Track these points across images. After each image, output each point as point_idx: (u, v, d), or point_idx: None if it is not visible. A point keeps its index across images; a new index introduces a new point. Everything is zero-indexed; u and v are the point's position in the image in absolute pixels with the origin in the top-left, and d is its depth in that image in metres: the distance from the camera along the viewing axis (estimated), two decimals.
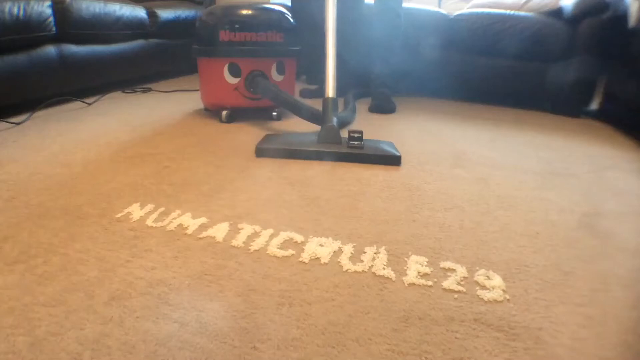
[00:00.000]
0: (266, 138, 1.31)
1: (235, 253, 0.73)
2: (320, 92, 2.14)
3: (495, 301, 0.63)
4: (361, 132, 1.25)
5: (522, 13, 2.11)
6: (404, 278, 0.68)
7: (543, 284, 0.68)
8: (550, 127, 1.81)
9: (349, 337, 0.55)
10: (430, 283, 0.67)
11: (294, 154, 1.22)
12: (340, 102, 1.98)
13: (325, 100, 1.34)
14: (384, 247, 0.77)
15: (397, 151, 1.25)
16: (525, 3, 2.22)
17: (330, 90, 1.34)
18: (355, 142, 1.24)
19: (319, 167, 1.17)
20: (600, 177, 1.20)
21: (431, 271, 0.70)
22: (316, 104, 1.48)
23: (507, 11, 2.13)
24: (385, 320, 0.59)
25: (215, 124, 1.56)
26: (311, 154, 1.22)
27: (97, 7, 1.87)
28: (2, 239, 0.75)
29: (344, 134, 1.29)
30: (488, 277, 0.69)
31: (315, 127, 1.51)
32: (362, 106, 1.95)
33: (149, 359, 0.51)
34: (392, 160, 1.21)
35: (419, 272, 0.70)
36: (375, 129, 1.59)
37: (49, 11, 1.61)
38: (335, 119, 1.31)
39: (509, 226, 0.87)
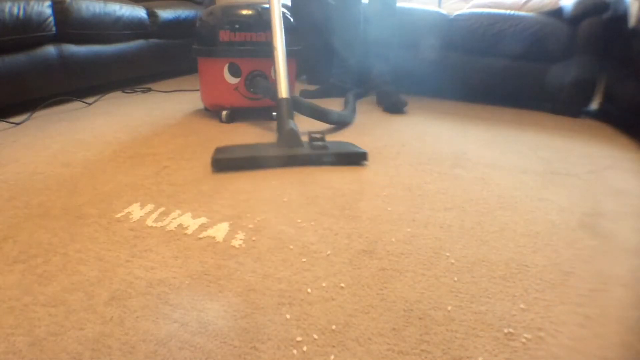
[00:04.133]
0: (221, 149, 1.16)
1: (235, 253, 0.73)
2: (320, 92, 2.14)
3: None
4: (323, 134, 1.20)
5: (522, 13, 2.11)
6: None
7: (543, 284, 0.68)
8: (550, 127, 1.81)
9: (349, 336, 0.55)
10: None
11: (253, 162, 1.11)
12: (340, 102, 1.98)
13: (279, 102, 1.23)
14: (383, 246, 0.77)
15: (360, 148, 1.20)
16: (525, 3, 2.22)
17: (283, 91, 1.26)
18: (318, 143, 1.16)
19: (319, 166, 1.17)
20: (600, 177, 1.20)
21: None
22: (316, 104, 1.49)
23: (507, 11, 2.13)
24: (385, 319, 0.59)
25: (215, 124, 1.56)
26: (272, 160, 1.11)
27: (97, 7, 1.86)
28: (2, 239, 0.75)
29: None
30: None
31: (321, 127, 1.52)
32: (366, 106, 1.94)
33: (149, 359, 0.51)
34: (358, 157, 1.17)
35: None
36: (374, 128, 1.59)
37: (49, 11, 1.61)
38: (292, 121, 1.21)
39: (509, 226, 0.87)
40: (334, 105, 1.87)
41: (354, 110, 1.74)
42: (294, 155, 1.13)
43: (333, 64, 2.22)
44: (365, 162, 1.17)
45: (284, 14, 1.59)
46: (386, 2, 1.97)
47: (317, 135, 1.19)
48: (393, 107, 1.89)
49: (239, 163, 1.10)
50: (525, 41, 2.02)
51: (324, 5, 2.26)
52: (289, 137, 1.17)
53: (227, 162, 1.09)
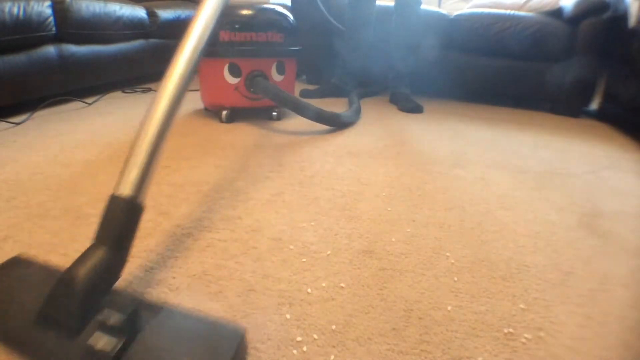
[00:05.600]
0: None
1: (235, 253, 0.73)
2: (320, 92, 2.14)
3: None
4: (134, 308, 0.49)
5: (522, 13, 2.11)
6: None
7: (543, 284, 0.68)
8: (550, 127, 1.81)
9: (349, 336, 0.55)
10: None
11: None
12: (341, 102, 1.98)
13: (111, 204, 0.56)
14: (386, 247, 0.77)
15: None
16: (525, 3, 2.22)
17: (128, 184, 0.57)
18: (100, 347, 0.46)
19: (319, 166, 1.17)
20: (600, 177, 1.20)
21: None
22: (316, 104, 1.48)
23: (507, 11, 2.14)
24: (385, 319, 0.59)
25: (215, 124, 1.56)
26: (12, 341, 0.51)
27: (97, 7, 1.87)
28: (2, 239, 0.75)
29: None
30: None
31: (319, 128, 1.52)
32: (371, 105, 1.94)
33: None
34: None
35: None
36: (375, 128, 1.59)
37: (48, 11, 1.61)
38: (93, 266, 0.51)
39: (509, 226, 0.87)
40: (334, 105, 1.87)
41: (358, 111, 1.74)
42: (42, 356, 0.49)
43: (335, 63, 2.22)
44: None
45: (284, 14, 1.60)
46: (410, 4, 1.98)
47: (124, 306, 0.49)
48: (411, 110, 1.92)
49: None
50: (525, 41, 2.02)
51: (326, 4, 2.26)
52: (57, 302, 0.50)
53: None
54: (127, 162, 0.58)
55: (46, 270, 0.60)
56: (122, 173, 0.57)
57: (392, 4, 2.04)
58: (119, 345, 0.46)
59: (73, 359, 0.47)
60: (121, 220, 0.54)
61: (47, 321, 0.50)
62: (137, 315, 0.49)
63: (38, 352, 0.49)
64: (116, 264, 0.53)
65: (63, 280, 0.50)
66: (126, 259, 0.54)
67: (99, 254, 0.52)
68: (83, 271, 0.50)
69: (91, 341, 0.46)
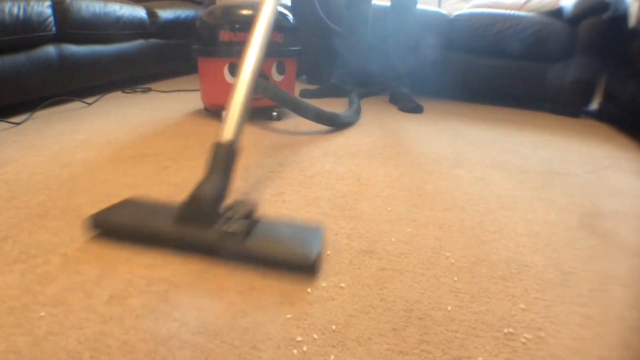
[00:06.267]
0: (120, 205, 0.83)
1: None
2: (320, 92, 2.14)
3: None
4: (251, 209, 0.73)
5: (522, 13, 2.11)
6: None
7: (543, 284, 0.68)
8: (550, 127, 1.81)
9: (349, 336, 0.55)
10: None
11: (138, 235, 0.75)
12: (341, 102, 1.98)
13: (217, 148, 0.80)
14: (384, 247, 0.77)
15: (315, 249, 0.69)
16: (525, 3, 2.22)
17: (228, 131, 0.81)
18: (233, 230, 0.69)
19: (319, 166, 1.17)
20: (600, 177, 1.20)
21: None
22: (316, 104, 1.48)
23: (507, 11, 2.14)
24: (385, 319, 0.59)
25: (215, 124, 1.56)
26: (161, 239, 0.73)
27: (97, 7, 1.87)
28: (2, 239, 0.75)
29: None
30: None
31: (319, 128, 1.52)
32: (374, 106, 1.94)
33: (149, 358, 0.51)
34: (296, 267, 0.68)
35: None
36: (375, 129, 1.59)
37: (48, 11, 1.61)
38: (216, 181, 0.76)
39: (509, 226, 0.87)
40: (334, 105, 1.87)
41: (358, 110, 1.74)
42: (189, 241, 0.72)
43: (335, 63, 2.22)
44: (313, 275, 0.68)
45: (284, 14, 1.60)
46: (406, 4, 1.98)
47: (243, 209, 0.73)
48: (411, 110, 1.93)
49: (119, 230, 0.76)
50: (525, 41, 2.02)
51: (326, 4, 2.26)
52: (193, 208, 0.73)
53: (105, 225, 0.77)
54: (225, 117, 0.83)
55: (155, 200, 0.86)
56: (224, 125, 0.82)
57: (388, 3, 2.05)
58: (246, 228, 0.70)
59: (213, 239, 0.70)
60: (226, 157, 0.79)
61: (186, 221, 0.73)
62: (253, 212, 0.75)
63: (184, 240, 0.72)
64: (225, 185, 0.77)
65: (194, 193, 0.74)
66: (230, 183, 0.78)
67: (214, 178, 0.76)
68: (207, 185, 0.75)
69: (225, 227, 0.69)
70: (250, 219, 0.72)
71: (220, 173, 0.77)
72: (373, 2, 2.12)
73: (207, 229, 0.71)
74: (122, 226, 0.76)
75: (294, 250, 0.69)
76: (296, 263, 0.68)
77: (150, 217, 0.77)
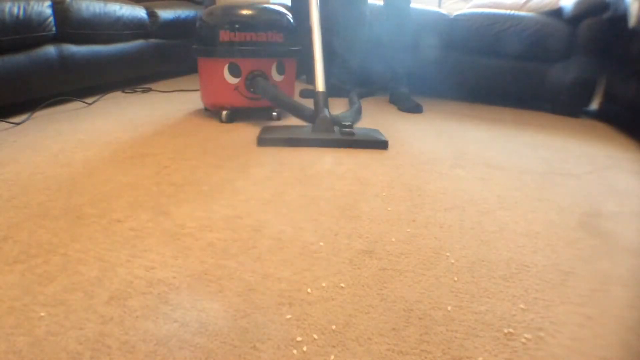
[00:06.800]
0: (265, 129, 1.42)
1: (235, 253, 0.73)
2: None
3: None
4: (351, 123, 1.43)
5: (522, 13, 2.11)
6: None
7: (543, 284, 0.68)
8: (550, 127, 1.81)
9: (349, 336, 0.55)
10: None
11: (292, 142, 1.33)
12: (342, 102, 1.98)
13: (317, 95, 1.44)
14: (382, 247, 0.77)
15: (384, 136, 1.40)
16: (525, 3, 2.22)
17: (320, 84, 1.44)
18: (347, 129, 1.38)
19: (319, 166, 1.17)
20: (600, 177, 1.20)
21: None
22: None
23: (507, 11, 2.13)
24: (385, 319, 0.59)
25: (215, 124, 1.56)
26: (308, 141, 1.33)
27: (97, 7, 1.86)
28: (2, 239, 0.75)
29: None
30: None
31: None
32: (375, 106, 1.94)
33: (149, 358, 0.51)
34: (380, 145, 1.36)
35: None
36: (373, 128, 1.59)
37: (48, 11, 1.61)
38: (326, 110, 1.41)
39: (509, 226, 0.87)
40: (334, 105, 1.87)
41: (359, 111, 1.74)
42: (327, 139, 1.34)
43: (334, 63, 2.22)
44: (385, 149, 1.34)
45: (284, 14, 1.60)
46: (400, 4, 1.98)
47: (346, 123, 1.41)
48: (410, 110, 1.93)
49: (280, 142, 1.33)
50: (525, 41, 2.02)
51: (326, 4, 2.26)
52: (323, 123, 1.38)
53: (270, 141, 1.32)
54: (315, 74, 1.46)
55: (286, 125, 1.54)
56: (317, 79, 1.45)
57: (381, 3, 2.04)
58: (352, 129, 1.40)
59: (337, 135, 1.37)
60: (325, 99, 1.44)
61: (319, 130, 1.38)
62: (352, 124, 1.44)
63: (322, 140, 1.35)
64: (329, 113, 1.43)
65: (320, 117, 1.39)
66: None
67: (325, 109, 1.42)
68: (325, 113, 1.41)
69: (343, 129, 1.39)
70: (352, 126, 1.40)
71: (326, 107, 1.43)
72: (370, 1, 2.12)
73: (333, 133, 1.37)
74: (281, 140, 1.34)
75: (377, 137, 1.39)
76: (379, 141, 1.37)
77: (295, 132, 1.39)
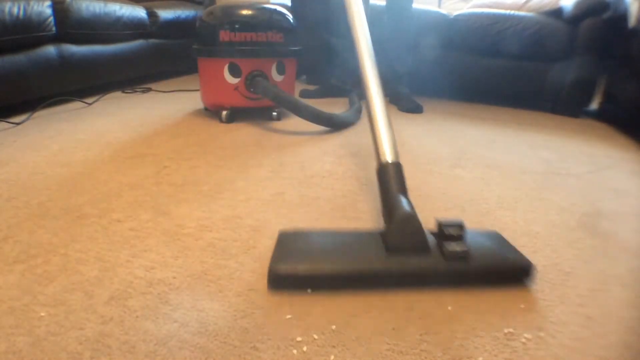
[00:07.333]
0: (282, 246, 0.70)
1: (235, 253, 0.73)
2: (320, 92, 2.14)
3: None
4: (460, 224, 0.68)
5: (522, 13, 2.11)
6: None
7: (543, 284, 0.68)
8: (550, 127, 1.81)
9: (349, 336, 0.55)
10: None
11: (347, 280, 0.65)
12: (341, 102, 1.98)
13: (383, 169, 0.79)
14: None
15: (519, 253, 0.71)
16: (525, 3, 2.22)
17: (388, 152, 0.81)
18: (456, 250, 0.65)
19: (319, 166, 1.17)
20: (600, 177, 1.20)
21: None
22: (315, 104, 1.48)
23: (507, 11, 2.13)
24: (385, 319, 0.59)
25: (215, 124, 1.56)
26: (381, 277, 0.65)
27: (97, 7, 1.87)
28: (2, 239, 0.75)
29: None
30: None
31: (319, 128, 1.52)
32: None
33: (149, 358, 0.51)
34: (516, 273, 0.69)
35: None
36: None
37: (49, 11, 1.61)
38: (405, 201, 0.73)
39: (509, 226, 0.87)
40: (334, 105, 1.87)
41: (359, 110, 1.74)
42: (420, 274, 0.66)
43: (334, 63, 2.22)
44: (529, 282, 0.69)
45: (284, 14, 1.60)
46: (403, 4, 1.97)
47: (451, 229, 0.68)
48: (410, 110, 1.92)
49: (319, 281, 0.65)
50: (525, 41, 2.02)
51: (326, 4, 2.26)
52: (406, 233, 0.68)
53: (294, 279, 0.64)
54: (376, 136, 0.87)
55: (319, 230, 0.80)
56: (380, 144, 0.84)
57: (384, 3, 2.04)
58: (465, 245, 0.66)
59: (438, 263, 0.65)
60: (399, 177, 0.77)
61: (399, 250, 0.66)
62: (463, 227, 0.68)
63: (404, 269, 0.65)
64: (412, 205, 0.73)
65: (401, 219, 0.68)
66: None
67: (404, 198, 0.73)
68: (411, 209, 0.70)
69: (448, 247, 0.65)
70: (462, 237, 0.67)
71: (404, 192, 0.75)
72: (371, 2, 2.11)
73: (425, 253, 0.66)
74: (315, 272, 0.64)
75: (510, 258, 0.70)
76: (516, 268, 0.68)
77: (344, 253, 0.66)
